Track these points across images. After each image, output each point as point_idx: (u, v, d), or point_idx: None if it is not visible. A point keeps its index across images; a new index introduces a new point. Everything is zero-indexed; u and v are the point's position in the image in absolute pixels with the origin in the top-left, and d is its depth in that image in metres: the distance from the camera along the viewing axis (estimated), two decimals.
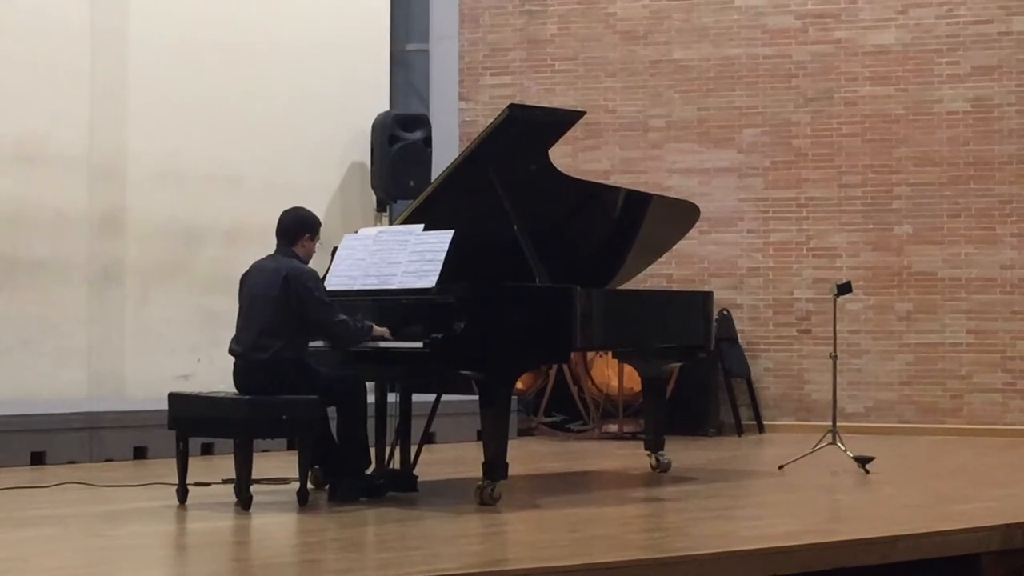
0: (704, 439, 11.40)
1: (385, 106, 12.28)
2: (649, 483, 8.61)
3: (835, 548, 6.14)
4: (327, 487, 7.55)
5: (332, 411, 7.45)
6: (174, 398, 7.41)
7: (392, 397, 7.93)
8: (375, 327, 7.35)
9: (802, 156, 12.14)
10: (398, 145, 11.93)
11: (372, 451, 7.64)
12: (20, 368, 10.20)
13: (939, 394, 11.78)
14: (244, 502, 7.01)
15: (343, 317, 7.30)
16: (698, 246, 12.03)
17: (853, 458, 8.84)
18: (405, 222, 7.89)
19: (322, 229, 7.59)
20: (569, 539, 6.35)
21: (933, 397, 11.80)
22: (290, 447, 8.45)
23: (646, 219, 8.59)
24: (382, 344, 7.36)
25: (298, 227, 7.48)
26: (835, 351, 9.34)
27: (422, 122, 12.18)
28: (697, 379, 11.49)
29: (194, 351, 10.87)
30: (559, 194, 8.14)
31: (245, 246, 9.84)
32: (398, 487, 7.61)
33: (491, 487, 7.24)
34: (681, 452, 9.67)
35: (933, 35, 11.90)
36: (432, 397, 8.12)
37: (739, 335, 12.06)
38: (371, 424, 7.67)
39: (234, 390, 7.35)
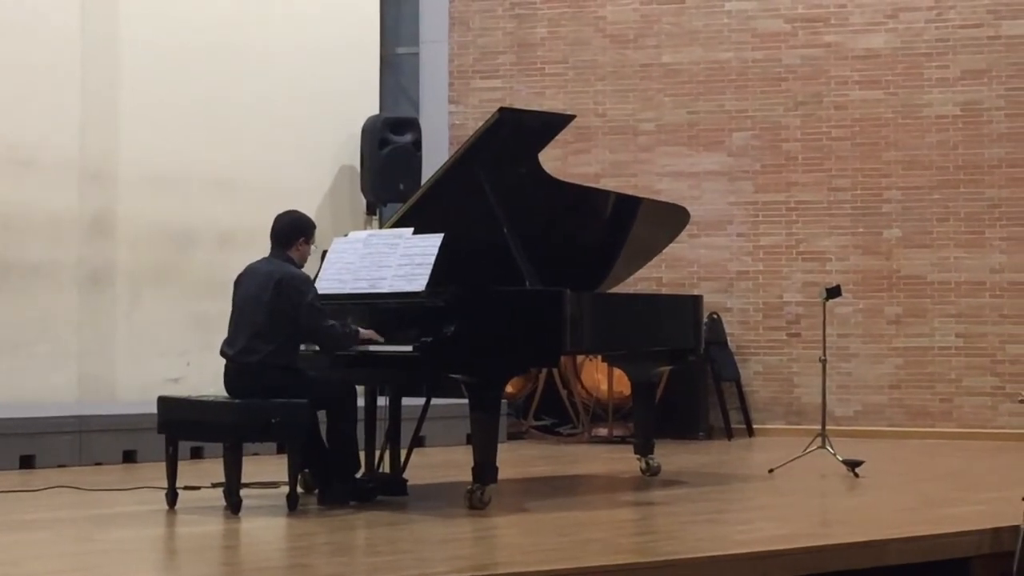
0: (694, 443, 11.40)
1: (375, 109, 12.28)
2: (639, 487, 8.61)
3: (825, 552, 6.15)
4: (317, 491, 7.55)
5: (322, 415, 7.44)
6: (164, 402, 7.39)
7: (382, 401, 7.93)
8: (362, 330, 7.35)
9: (792, 160, 12.15)
10: (388, 148, 11.93)
11: (362, 455, 7.64)
12: (10, 371, 10.18)
13: (928, 398, 11.79)
14: (234, 506, 7.00)
15: (332, 323, 7.30)
16: (688, 250, 12.04)
17: (843, 462, 8.84)
18: (395, 225, 7.88)
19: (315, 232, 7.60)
20: (559, 543, 6.35)
21: (923, 401, 11.80)
22: (280, 451, 8.44)
23: (636, 222, 8.60)
24: (372, 348, 7.35)
25: (293, 230, 7.47)
26: (824, 355, 9.34)
27: (412, 125, 12.18)
28: (687, 383, 11.47)
29: (184, 355, 10.86)
30: (549, 197, 8.13)
31: (236, 249, 9.87)
32: (388, 491, 7.61)
33: (481, 491, 7.24)
34: (671, 456, 9.67)
35: (922, 39, 11.91)
36: (422, 401, 8.10)
37: (729, 339, 12.07)
38: (361, 428, 7.67)
39: (224, 394, 7.35)
